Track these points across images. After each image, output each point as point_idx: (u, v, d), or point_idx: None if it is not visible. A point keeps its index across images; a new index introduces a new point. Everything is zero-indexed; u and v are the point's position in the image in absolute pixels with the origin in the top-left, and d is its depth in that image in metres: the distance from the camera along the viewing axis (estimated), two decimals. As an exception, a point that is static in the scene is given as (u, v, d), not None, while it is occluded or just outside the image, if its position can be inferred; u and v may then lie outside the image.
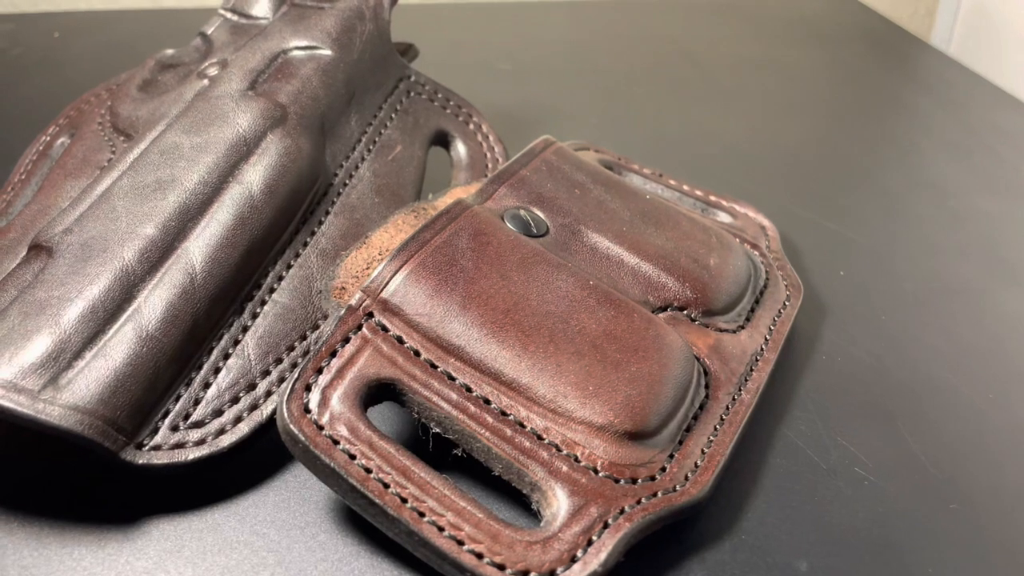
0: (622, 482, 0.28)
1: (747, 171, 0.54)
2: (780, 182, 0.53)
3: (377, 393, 0.29)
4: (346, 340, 0.30)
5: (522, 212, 0.36)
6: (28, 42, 0.70)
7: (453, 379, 0.30)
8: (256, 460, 0.31)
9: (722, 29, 0.79)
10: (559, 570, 0.26)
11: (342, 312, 0.31)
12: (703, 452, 0.30)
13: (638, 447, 0.29)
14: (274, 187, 0.36)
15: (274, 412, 0.31)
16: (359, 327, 0.30)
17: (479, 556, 0.26)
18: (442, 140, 0.45)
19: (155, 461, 0.29)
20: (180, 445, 0.29)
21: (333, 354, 0.29)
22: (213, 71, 0.41)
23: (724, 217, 0.43)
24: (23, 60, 0.67)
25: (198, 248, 0.33)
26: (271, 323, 0.33)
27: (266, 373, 0.32)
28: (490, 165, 0.45)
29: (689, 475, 0.29)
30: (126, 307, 0.31)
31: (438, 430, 0.29)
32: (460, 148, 0.45)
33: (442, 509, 0.27)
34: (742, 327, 0.36)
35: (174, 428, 0.30)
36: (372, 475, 0.27)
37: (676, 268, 0.35)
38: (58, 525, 0.29)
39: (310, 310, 0.34)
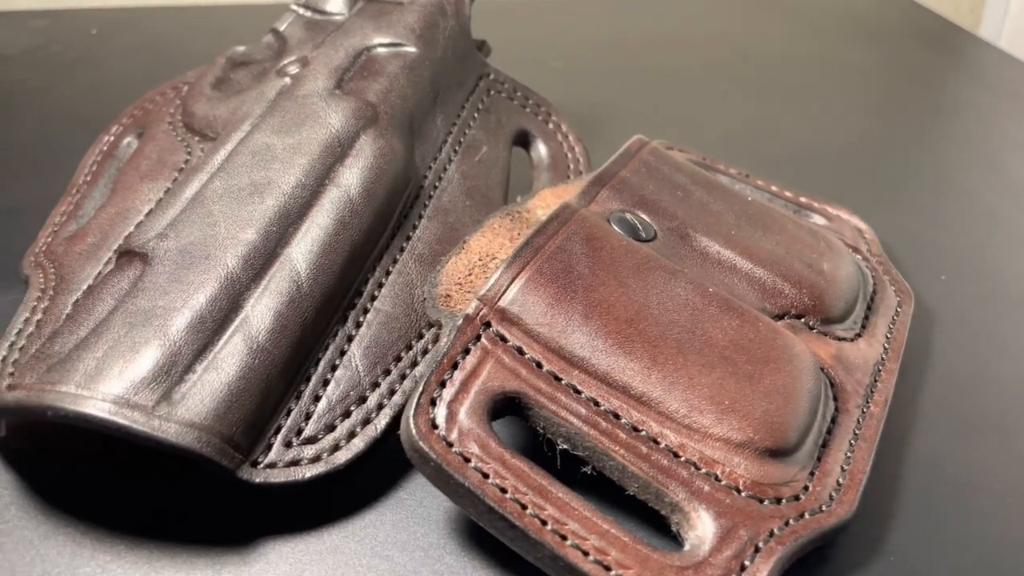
0: (766, 503, 0.27)
1: (817, 171, 0.52)
2: (853, 182, 0.52)
3: (501, 408, 0.28)
4: (466, 351, 0.28)
5: (628, 215, 0.34)
6: (65, 39, 0.69)
7: (579, 392, 0.28)
8: (363, 476, 0.30)
9: (773, 26, 0.77)
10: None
11: (459, 322, 0.29)
12: (843, 469, 0.29)
13: (779, 465, 0.28)
14: (372, 190, 0.34)
15: (388, 427, 0.30)
16: (478, 337, 0.29)
17: (629, 583, 0.24)
18: (522, 140, 0.44)
19: (272, 479, 0.27)
20: (295, 462, 0.28)
21: (454, 366, 0.28)
22: (294, 69, 0.39)
23: (818, 219, 0.42)
24: (62, 57, 0.65)
25: (301, 254, 0.31)
26: (376, 332, 0.32)
27: (375, 385, 0.30)
28: (571, 166, 0.43)
29: (833, 494, 0.28)
30: (233, 317, 0.29)
31: (566, 447, 0.28)
32: (541, 148, 0.43)
33: (585, 532, 0.25)
34: (859, 335, 0.34)
35: (287, 444, 0.28)
36: (508, 495, 0.25)
37: (792, 273, 0.34)
38: (169, 548, 0.27)
39: (413, 318, 0.33)
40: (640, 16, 0.78)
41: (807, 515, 0.27)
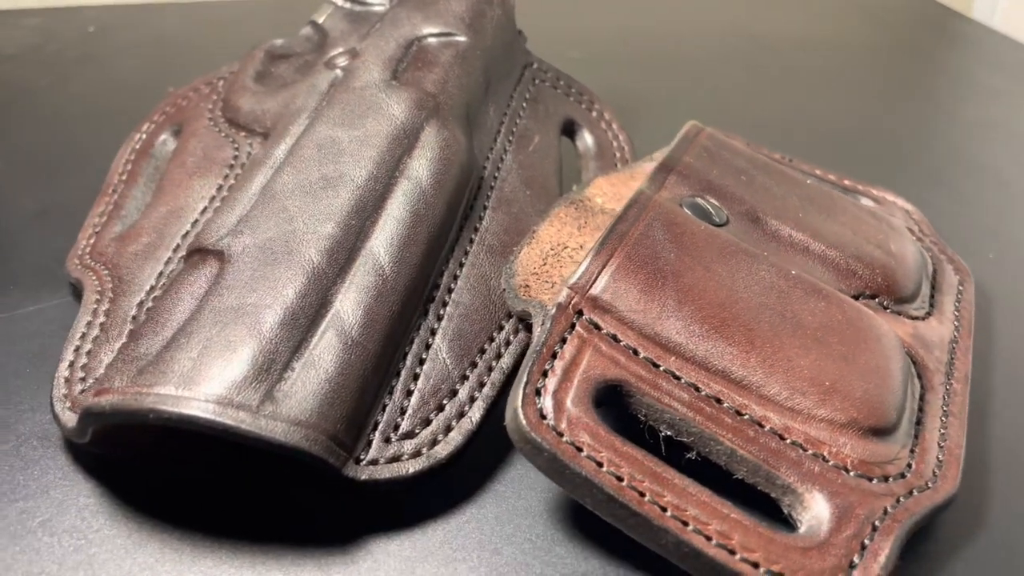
0: (875, 481, 0.27)
1: (845, 154, 0.53)
2: (881, 164, 0.52)
3: (601, 396, 0.28)
4: (562, 340, 0.28)
5: (699, 200, 0.34)
6: (63, 38, 0.67)
7: (678, 378, 0.28)
8: (456, 470, 0.29)
9: (781, 12, 0.78)
10: (834, 582, 0.24)
11: (552, 311, 0.29)
12: (939, 446, 0.29)
13: (883, 443, 0.28)
14: (442, 181, 0.33)
15: (482, 420, 0.29)
16: (572, 326, 0.28)
17: (755, 565, 0.24)
18: (568, 129, 0.43)
19: (378, 476, 0.27)
20: (396, 458, 0.27)
21: (553, 355, 0.28)
22: (343, 60, 0.38)
23: (866, 202, 0.42)
24: (64, 56, 0.63)
25: (383, 247, 0.31)
26: (458, 325, 0.31)
27: (464, 377, 0.30)
28: (618, 154, 0.43)
29: (936, 470, 0.28)
30: (324, 312, 0.28)
31: (669, 433, 0.27)
32: (587, 137, 0.43)
33: (706, 516, 0.25)
34: (929, 314, 0.34)
35: (386, 440, 0.28)
36: (625, 483, 0.25)
37: (863, 255, 0.34)
38: (273, 551, 0.26)
39: (492, 310, 0.32)
40: (653, 5, 0.78)
41: (915, 492, 0.27)
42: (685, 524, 0.25)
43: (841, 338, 0.30)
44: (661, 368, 0.28)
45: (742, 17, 0.76)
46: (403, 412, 0.28)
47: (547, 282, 0.32)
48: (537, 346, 0.28)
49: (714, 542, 0.25)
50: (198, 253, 0.31)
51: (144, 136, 0.42)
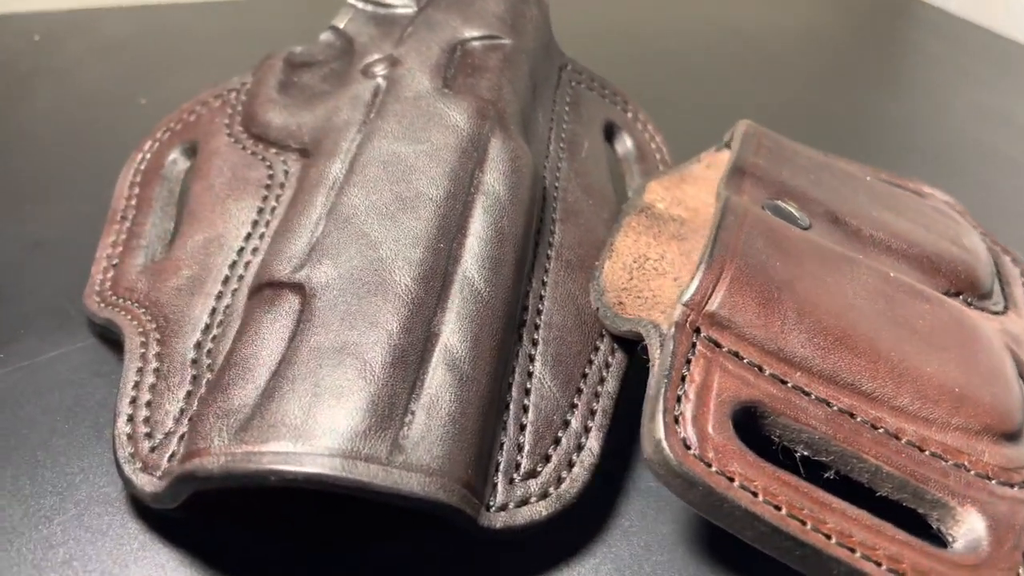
0: (1016, 487, 0.26)
1: (840, 145, 0.53)
2: (885, 153, 0.52)
3: (736, 419, 0.26)
4: (687, 362, 0.26)
5: (780, 203, 0.33)
6: (9, 48, 0.61)
7: (807, 394, 0.27)
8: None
9: (754, 4, 0.78)
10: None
11: (670, 331, 0.27)
12: (1061, 445, 0.29)
13: (1015, 447, 0.27)
14: (517, 194, 0.31)
15: (601, 450, 0.27)
16: (692, 346, 0.27)
17: (929, 589, 0.23)
18: (607, 132, 0.42)
19: (513, 523, 0.25)
20: (525, 501, 0.25)
21: (681, 379, 0.26)
22: (382, 69, 0.36)
23: (909, 195, 0.42)
24: (13, 70, 0.58)
25: (475, 269, 0.28)
26: (555, 349, 0.29)
27: (573, 406, 0.28)
28: (657, 156, 0.42)
29: (1067, 471, 0.28)
30: (431, 346, 0.26)
31: (806, 453, 0.26)
32: (627, 140, 0.42)
33: (872, 540, 0.24)
34: (1007, 308, 0.34)
35: (511, 481, 0.26)
36: (783, 512, 0.24)
37: (944, 252, 0.34)
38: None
39: (586, 330, 0.30)
40: (629, 2, 0.77)
41: (1060, 497, 0.26)
42: (852, 551, 0.23)
43: (955, 341, 0.29)
44: (789, 384, 0.27)
45: (718, 11, 0.76)
46: (520, 449, 0.26)
47: (639, 298, 0.30)
48: (665, 370, 0.26)
49: (884, 567, 0.23)
50: (270, 288, 0.28)
51: (148, 156, 0.39)
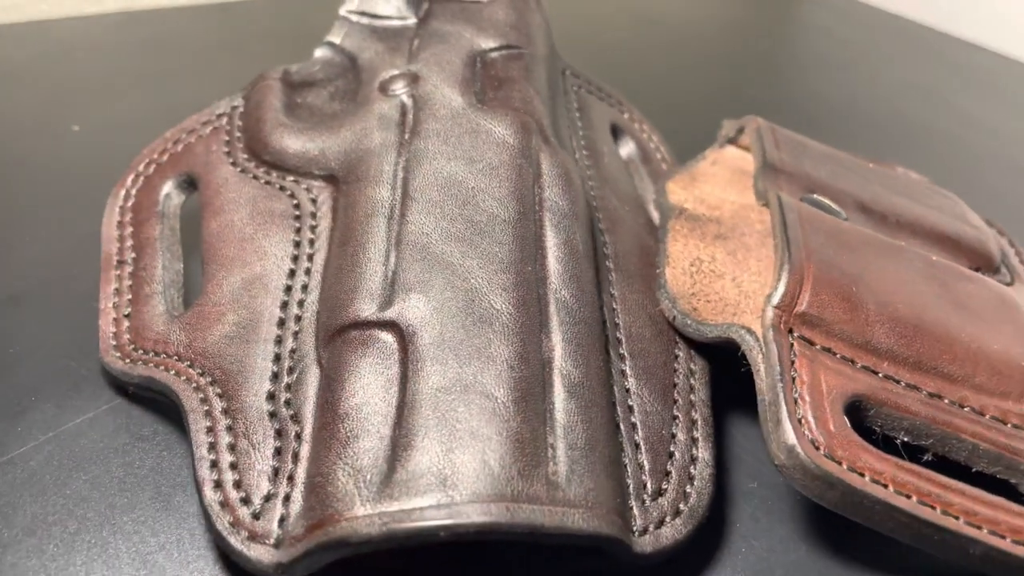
0: (1089, 448, 0.28)
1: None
2: (827, 134, 0.55)
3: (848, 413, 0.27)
4: (791, 363, 0.27)
5: (817, 197, 0.34)
6: None
7: (898, 382, 0.28)
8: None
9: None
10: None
11: (768, 334, 0.27)
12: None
13: (1079, 411, 0.29)
14: (577, 208, 0.31)
15: (715, 460, 0.27)
16: (791, 347, 0.28)
17: (1052, 555, 0.25)
18: (612, 135, 0.42)
19: (660, 546, 0.24)
20: (662, 521, 0.25)
21: (791, 380, 0.27)
22: (402, 86, 0.34)
23: (890, 177, 0.44)
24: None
25: (565, 289, 0.28)
26: (642, 362, 0.29)
27: (675, 418, 0.28)
28: (658, 155, 0.42)
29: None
30: (549, 373, 0.25)
31: (907, 439, 0.27)
32: (631, 143, 0.42)
33: (994, 516, 0.25)
34: (1012, 280, 0.37)
35: (643, 503, 0.25)
36: (915, 500, 0.25)
37: (961, 231, 0.36)
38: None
39: (663, 339, 0.30)
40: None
41: (1123, 452, 0.29)
42: (980, 528, 0.25)
43: (1005, 316, 0.31)
44: (880, 375, 0.28)
45: (637, 3, 0.77)
46: (642, 468, 0.26)
47: (710, 302, 0.31)
48: (776, 375, 0.26)
49: (1009, 540, 0.25)
50: (356, 329, 0.26)
51: (134, 192, 0.36)
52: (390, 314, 0.26)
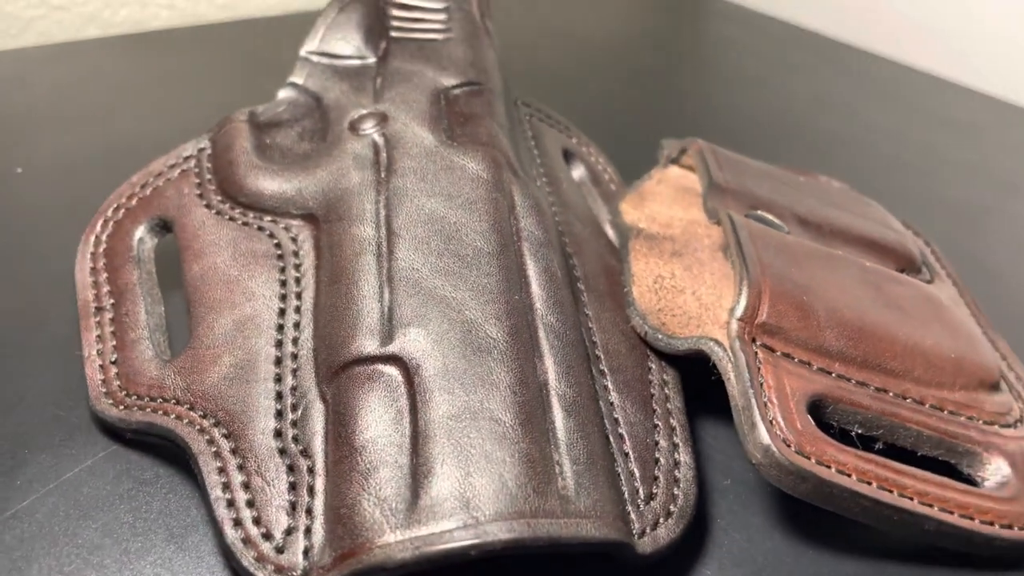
0: (1013, 428, 0.32)
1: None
2: (736, 143, 0.59)
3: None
4: (757, 369, 0.30)
5: (760, 214, 0.38)
6: None
7: (849, 380, 0.31)
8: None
9: (580, 9, 0.83)
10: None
11: (735, 344, 0.30)
12: (1020, 384, 0.35)
13: (1002, 394, 0.33)
14: (550, 236, 0.33)
15: (696, 463, 0.30)
16: (755, 354, 0.30)
17: (991, 524, 0.28)
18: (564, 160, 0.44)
19: (658, 545, 0.27)
20: (656, 523, 0.28)
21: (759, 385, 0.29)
22: (371, 125, 0.36)
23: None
24: None
25: (551, 314, 0.30)
26: (622, 376, 0.32)
27: (655, 427, 0.31)
28: (607, 177, 0.45)
29: (1035, 406, 0.34)
30: (547, 395, 0.28)
31: (860, 431, 0.31)
32: (581, 167, 0.44)
33: (942, 494, 0.28)
34: (932, 278, 0.41)
35: (637, 507, 0.28)
36: (875, 485, 0.28)
37: (885, 236, 0.40)
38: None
39: (636, 354, 0.33)
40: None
41: (1041, 428, 0.33)
42: (931, 506, 0.28)
43: (930, 314, 0.35)
44: (833, 375, 0.31)
45: (555, 18, 0.80)
46: (633, 476, 0.29)
47: (675, 316, 0.33)
48: (746, 381, 0.29)
49: (957, 515, 0.28)
50: (359, 365, 0.28)
51: (105, 238, 0.36)
52: (392, 348, 0.28)
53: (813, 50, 0.79)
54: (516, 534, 0.23)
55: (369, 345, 0.28)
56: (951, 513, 0.28)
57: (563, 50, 0.74)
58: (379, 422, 0.26)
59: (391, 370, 0.28)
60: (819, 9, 0.84)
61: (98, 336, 0.33)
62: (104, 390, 0.31)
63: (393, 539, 0.24)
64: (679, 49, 0.79)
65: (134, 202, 0.37)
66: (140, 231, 0.36)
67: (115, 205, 0.37)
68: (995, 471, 0.30)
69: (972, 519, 0.28)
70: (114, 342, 0.33)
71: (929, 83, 0.73)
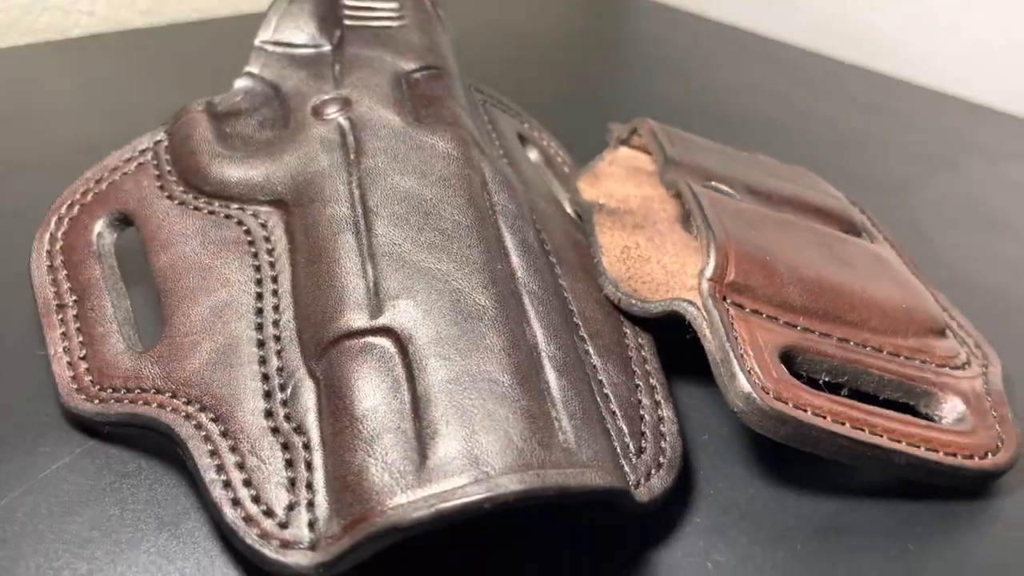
0: (963, 368, 0.34)
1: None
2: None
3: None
4: (731, 325, 0.31)
5: (714, 184, 0.39)
6: None
7: (814, 332, 0.33)
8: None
9: (519, 9, 0.84)
10: (1000, 450, 0.31)
11: (707, 303, 0.32)
12: (966, 332, 0.38)
13: (949, 339, 0.35)
14: (523, 210, 0.34)
15: (677, 418, 0.31)
16: (728, 311, 0.32)
17: (954, 455, 0.30)
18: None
19: (655, 493, 0.28)
20: (649, 475, 0.29)
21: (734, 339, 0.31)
22: (335, 109, 0.36)
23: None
24: None
25: (532, 281, 0.31)
26: (600, 342, 0.32)
27: (637, 387, 0.32)
28: (560, 160, 0.46)
29: (972, 357, 0.36)
30: (538, 356, 0.28)
31: (827, 378, 0.32)
32: (535, 151, 0.45)
33: (907, 430, 0.30)
34: (872, 240, 0.43)
35: (630, 461, 0.29)
36: (848, 425, 0.30)
37: (827, 202, 0.42)
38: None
39: (612, 320, 0.34)
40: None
41: (987, 372, 0.35)
42: (900, 442, 0.30)
43: (879, 269, 0.37)
44: (799, 328, 0.33)
45: (494, 17, 0.81)
46: (622, 432, 0.29)
47: (645, 283, 0.35)
48: (722, 336, 0.30)
49: (923, 448, 0.30)
50: (350, 339, 0.28)
51: (60, 235, 0.35)
52: (383, 321, 0.28)
53: (733, 41, 0.82)
54: (527, 485, 0.24)
55: (358, 319, 0.28)
56: (917, 447, 0.30)
57: (502, 47, 0.75)
58: (377, 391, 0.27)
59: (383, 341, 0.28)
60: (737, 4, 0.88)
61: (63, 333, 0.32)
62: (75, 386, 0.31)
63: (405, 499, 0.24)
64: (608, 43, 0.81)
65: (89, 197, 0.36)
66: (99, 226, 0.35)
67: (69, 202, 0.36)
68: (951, 409, 0.33)
69: (937, 451, 0.30)
70: (81, 338, 0.32)
71: (846, 70, 0.76)
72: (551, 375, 0.28)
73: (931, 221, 0.51)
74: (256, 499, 0.26)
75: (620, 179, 0.42)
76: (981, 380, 0.34)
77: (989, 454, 0.31)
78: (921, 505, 0.31)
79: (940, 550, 0.29)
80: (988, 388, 0.34)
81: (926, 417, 0.33)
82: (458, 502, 0.23)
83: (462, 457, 0.24)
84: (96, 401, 0.30)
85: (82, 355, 0.31)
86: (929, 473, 0.30)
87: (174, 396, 0.29)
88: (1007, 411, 0.33)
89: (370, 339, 0.28)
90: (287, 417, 0.28)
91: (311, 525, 0.25)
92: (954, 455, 0.30)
